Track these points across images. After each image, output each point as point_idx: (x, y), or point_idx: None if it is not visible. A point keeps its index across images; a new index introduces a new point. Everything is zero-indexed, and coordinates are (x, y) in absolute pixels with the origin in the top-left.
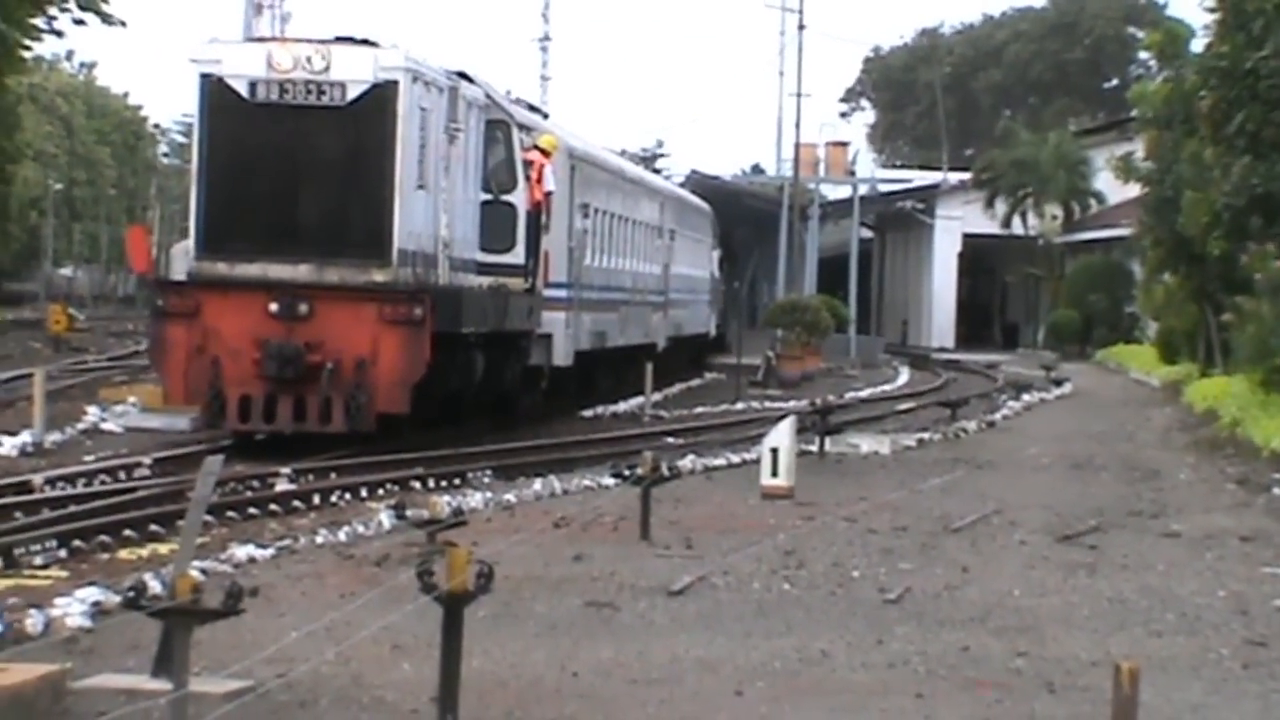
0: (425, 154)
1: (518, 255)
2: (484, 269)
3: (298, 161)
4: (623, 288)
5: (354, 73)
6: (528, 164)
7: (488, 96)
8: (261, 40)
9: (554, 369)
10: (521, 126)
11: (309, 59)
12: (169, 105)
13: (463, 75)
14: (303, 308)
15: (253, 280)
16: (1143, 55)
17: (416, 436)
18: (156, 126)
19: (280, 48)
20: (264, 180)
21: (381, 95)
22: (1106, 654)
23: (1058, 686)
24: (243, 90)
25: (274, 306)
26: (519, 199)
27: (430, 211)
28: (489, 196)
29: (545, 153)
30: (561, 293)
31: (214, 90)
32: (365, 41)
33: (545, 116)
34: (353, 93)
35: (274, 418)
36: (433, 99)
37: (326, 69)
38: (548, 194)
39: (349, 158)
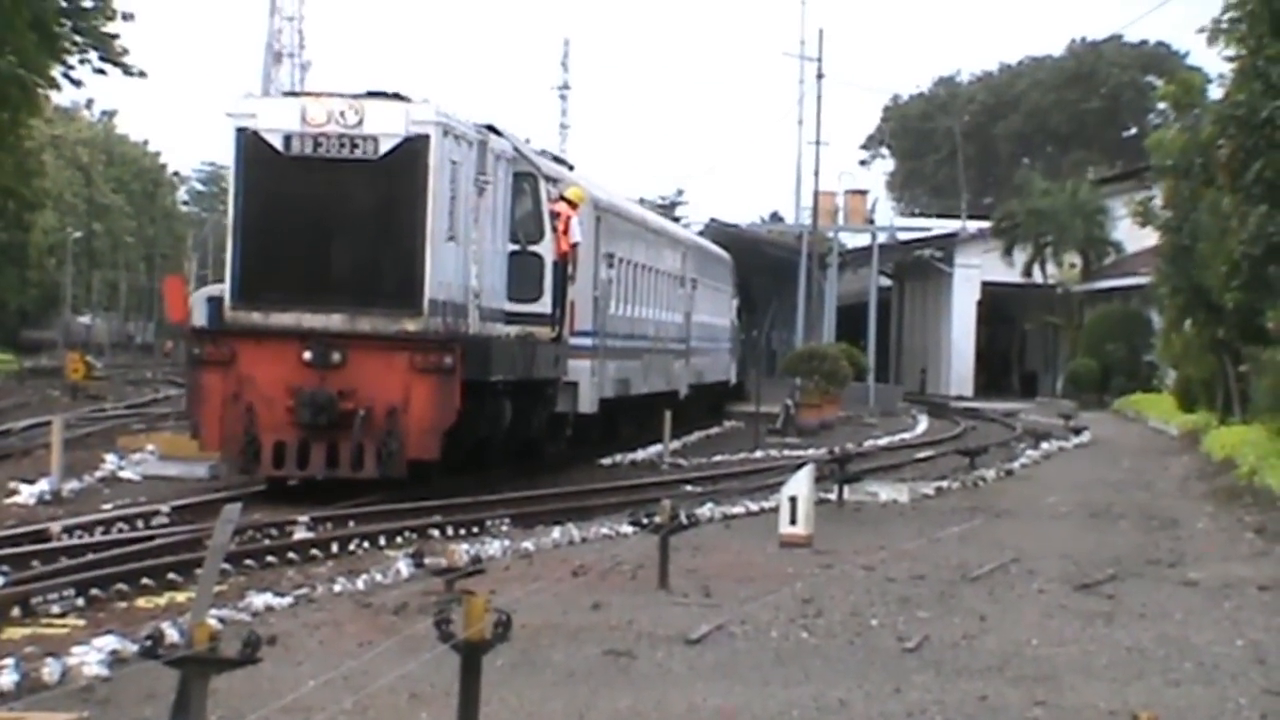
0: (455, 206)
1: (544, 305)
2: (512, 318)
3: (331, 213)
4: (646, 336)
5: (386, 127)
6: (554, 215)
7: (515, 149)
8: (296, 94)
9: (579, 416)
10: (548, 178)
11: (342, 113)
12: (188, 153)
13: (491, 128)
14: (336, 356)
15: (287, 329)
16: (1160, 105)
17: (440, 484)
18: (176, 174)
19: (314, 102)
20: (298, 231)
21: (413, 149)
22: (1124, 703)
23: None
24: (277, 144)
25: (308, 355)
26: (546, 249)
27: (460, 262)
28: (516, 247)
29: (572, 204)
30: (587, 341)
31: (249, 143)
32: (397, 96)
33: (570, 168)
34: (385, 146)
35: (307, 464)
36: (462, 152)
37: (360, 123)
38: (574, 245)
39: (381, 209)
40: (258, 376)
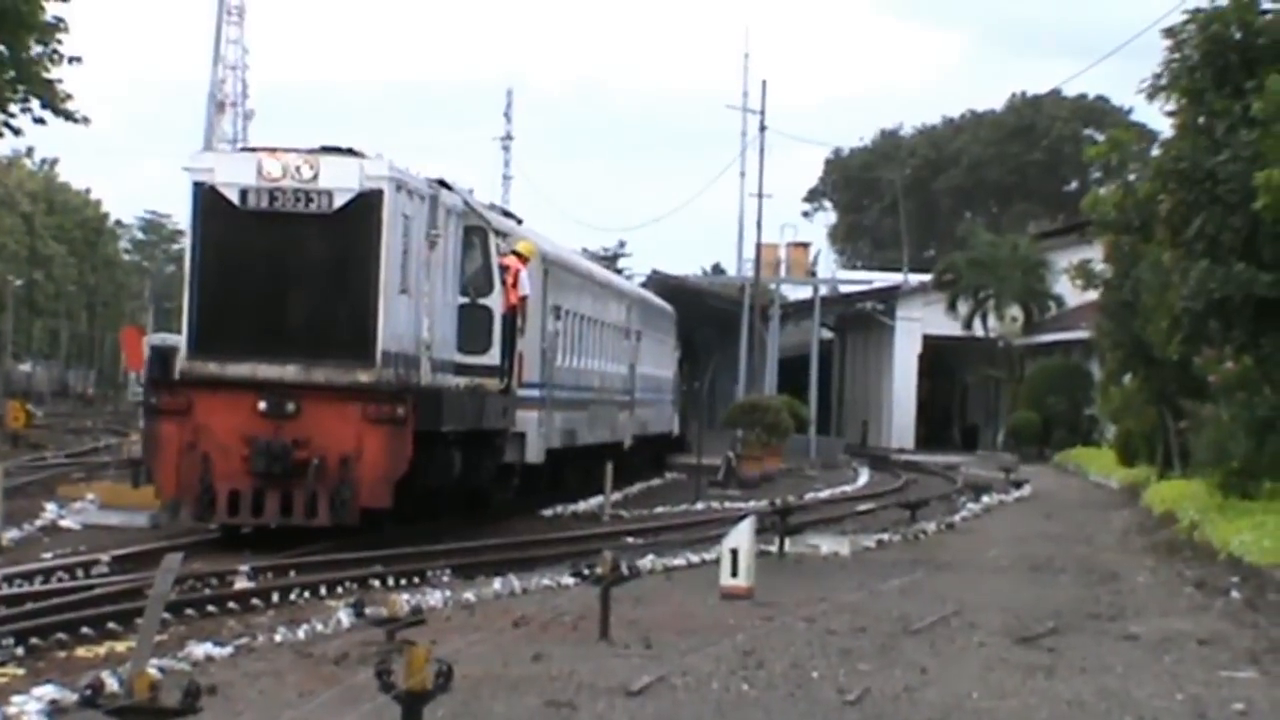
0: (408, 259)
1: (493, 357)
2: (461, 370)
3: (286, 266)
4: (591, 387)
5: (340, 181)
6: (504, 269)
7: (465, 203)
8: (252, 150)
9: (526, 466)
10: (497, 232)
11: (298, 168)
12: (129, 201)
13: (441, 183)
14: (290, 406)
15: (242, 379)
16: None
17: (391, 532)
18: (118, 223)
19: (270, 158)
20: (254, 284)
21: (366, 203)
22: None
23: None
24: (234, 198)
25: (262, 405)
26: (495, 302)
27: (412, 315)
28: (466, 300)
29: (522, 258)
30: (535, 392)
31: (206, 198)
32: (350, 151)
33: (519, 221)
34: (339, 201)
35: (262, 512)
36: (415, 206)
37: (314, 178)
38: (523, 298)
39: (335, 263)
40: (214, 425)
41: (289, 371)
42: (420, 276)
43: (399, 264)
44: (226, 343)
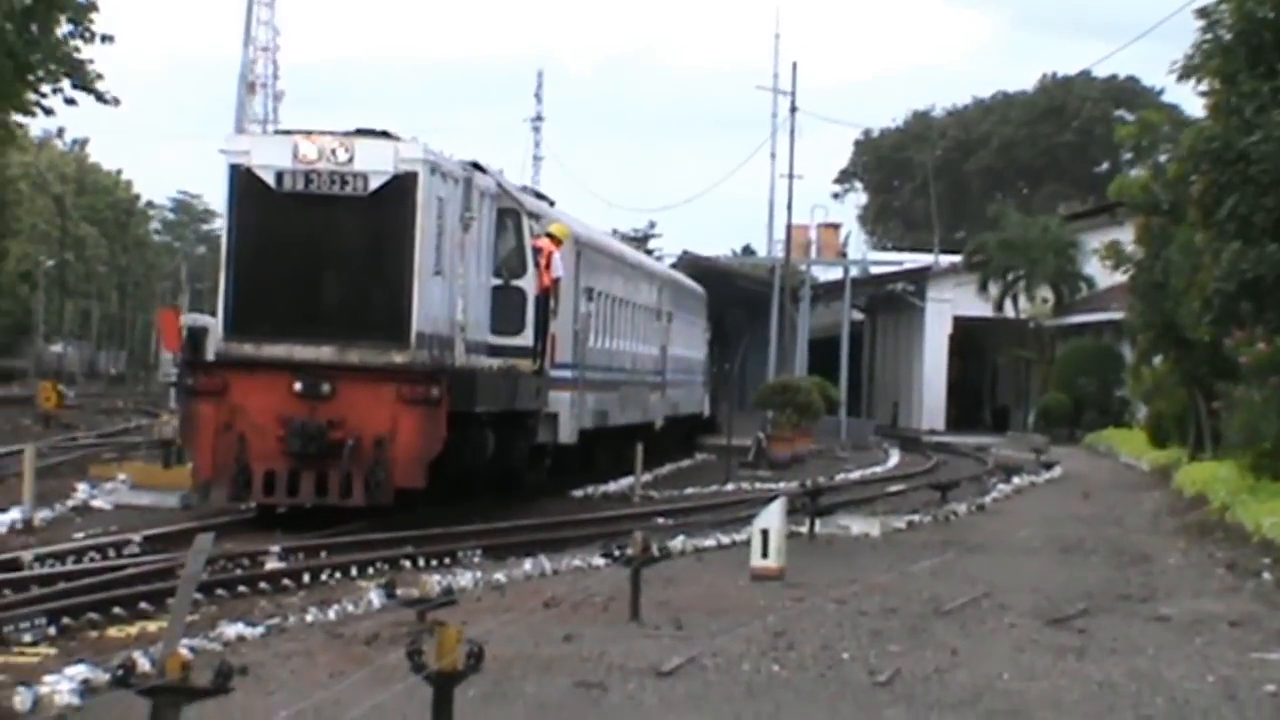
0: (442, 241)
1: (527, 338)
2: (495, 351)
3: (322, 248)
4: (623, 368)
5: (376, 164)
6: (536, 250)
7: (499, 186)
8: (288, 132)
9: (558, 446)
10: (531, 214)
11: (333, 151)
12: (160, 182)
13: (475, 165)
14: (325, 387)
15: (278, 360)
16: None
17: (414, 514)
18: (149, 204)
19: (305, 140)
20: (290, 266)
21: (401, 186)
22: None
23: None
24: (270, 180)
25: (298, 386)
26: (528, 284)
27: (446, 296)
28: (500, 281)
29: (555, 240)
30: (567, 373)
31: (243, 180)
32: (384, 134)
33: (551, 203)
34: (375, 183)
35: (297, 492)
36: (449, 189)
37: (350, 160)
38: (556, 279)
39: (370, 245)
40: (250, 407)
41: (324, 353)
42: (454, 258)
43: (433, 246)
44: (262, 324)
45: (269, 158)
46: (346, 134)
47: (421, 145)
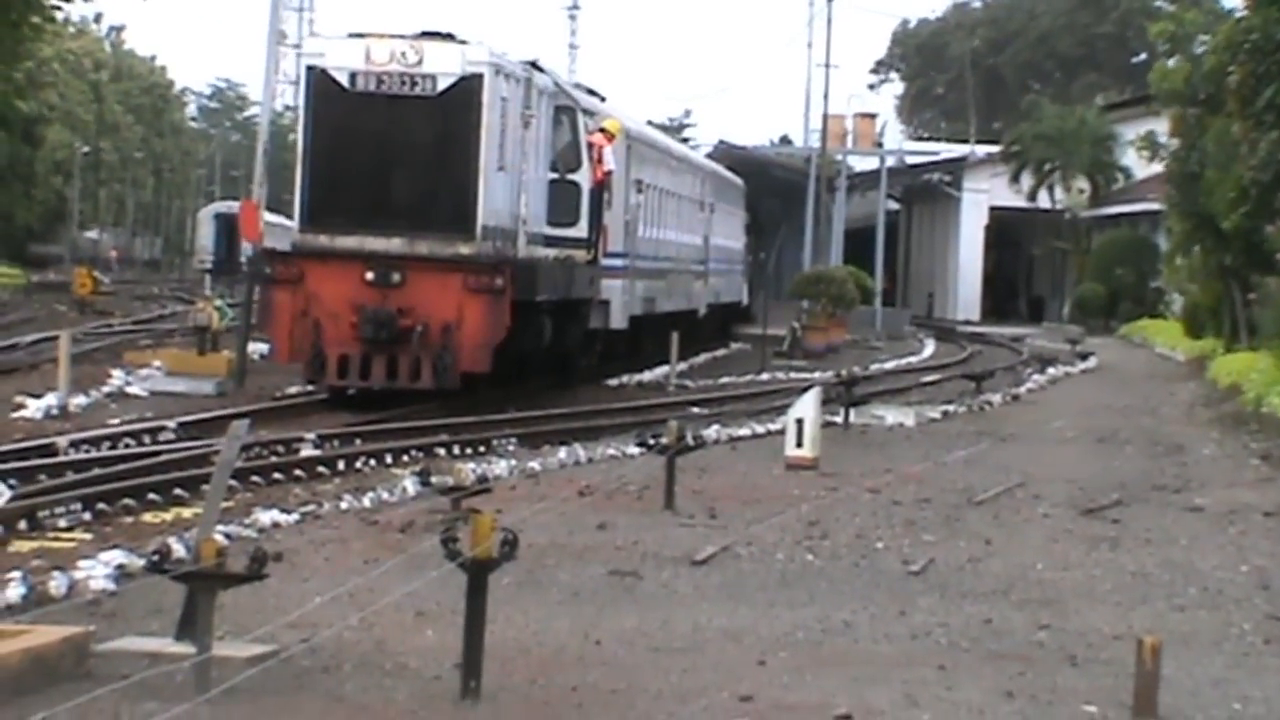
0: (505, 139)
1: (581, 230)
2: (551, 241)
3: (392, 145)
4: (670, 257)
5: (443, 66)
6: (590, 145)
7: (556, 84)
8: (360, 35)
9: (608, 332)
10: (585, 111)
11: (403, 53)
12: (195, 68)
13: (534, 65)
14: (395, 276)
15: (351, 251)
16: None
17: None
18: (185, 89)
19: (378, 43)
20: (361, 162)
21: (468, 87)
22: (1129, 628)
23: (1080, 660)
24: (344, 81)
25: (370, 275)
26: (583, 178)
27: (509, 191)
28: (556, 175)
29: (608, 135)
30: (618, 262)
31: (318, 81)
32: (450, 37)
33: (603, 99)
34: (442, 84)
35: (369, 375)
36: (511, 89)
37: (419, 62)
38: (608, 173)
39: (438, 143)
40: (324, 295)
41: (394, 244)
42: (516, 155)
43: (497, 143)
44: (336, 217)
45: (343, 59)
46: (415, 37)
47: (486, 48)
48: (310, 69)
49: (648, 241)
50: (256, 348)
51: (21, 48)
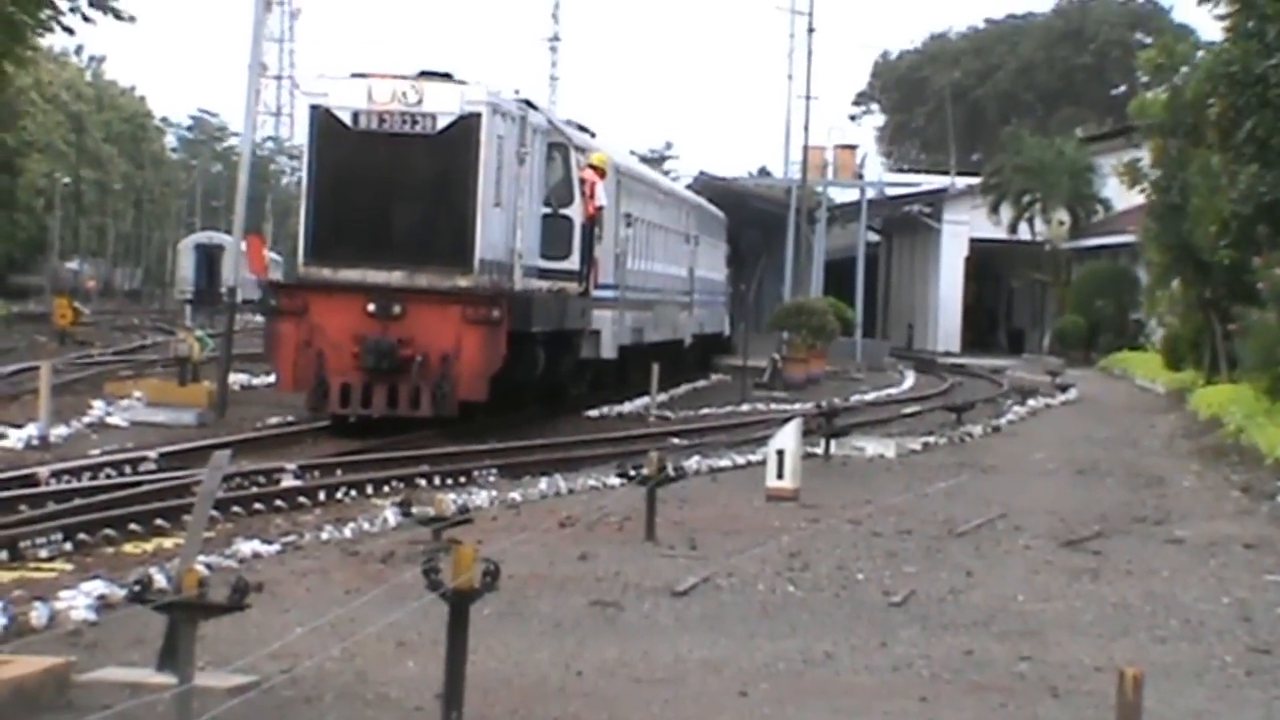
0: (501, 175)
1: (573, 262)
2: (544, 274)
3: (393, 182)
4: (657, 289)
5: (443, 105)
6: (582, 181)
7: (549, 122)
8: (363, 75)
9: (599, 361)
10: (577, 148)
11: (404, 93)
12: (174, 99)
13: (528, 103)
14: (396, 308)
15: (353, 284)
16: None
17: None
18: (164, 119)
19: (380, 83)
20: (364, 197)
21: (467, 125)
22: (1110, 659)
23: (1061, 691)
24: (347, 119)
25: (371, 307)
26: (575, 212)
27: (505, 225)
28: (549, 210)
29: (599, 170)
30: (608, 294)
31: (322, 119)
32: (448, 76)
33: (593, 135)
34: (442, 123)
35: (370, 403)
36: (507, 127)
37: (419, 102)
38: (599, 208)
39: (437, 179)
40: (327, 325)
41: (395, 276)
42: (511, 191)
43: (494, 180)
44: (339, 250)
45: (346, 99)
46: (416, 77)
47: (484, 88)
48: (314, 108)
49: (636, 274)
50: (237, 378)
51: (3, 79)
